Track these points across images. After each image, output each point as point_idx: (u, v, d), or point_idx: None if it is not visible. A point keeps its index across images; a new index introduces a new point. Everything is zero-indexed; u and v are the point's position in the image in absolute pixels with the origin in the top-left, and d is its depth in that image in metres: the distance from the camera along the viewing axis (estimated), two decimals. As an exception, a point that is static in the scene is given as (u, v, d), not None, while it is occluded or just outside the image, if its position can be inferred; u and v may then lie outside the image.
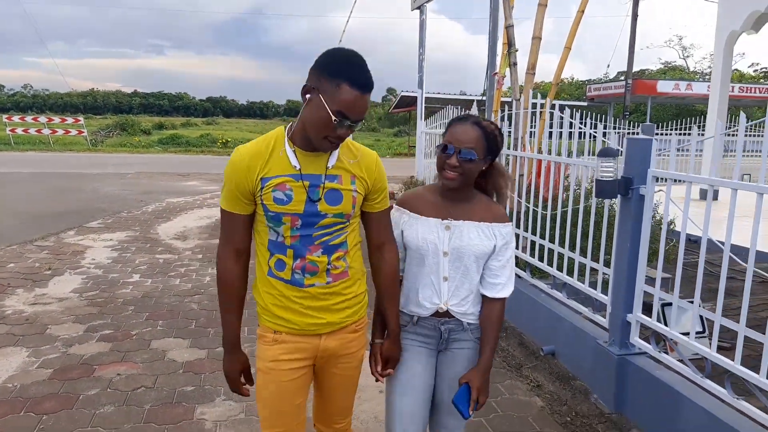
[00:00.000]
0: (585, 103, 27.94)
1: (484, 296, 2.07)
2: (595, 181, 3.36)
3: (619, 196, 3.33)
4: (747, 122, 2.66)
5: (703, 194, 6.66)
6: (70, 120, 28.72)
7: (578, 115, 4.19)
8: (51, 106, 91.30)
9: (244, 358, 1.94)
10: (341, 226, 1.83)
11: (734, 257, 2.80)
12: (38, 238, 7.65)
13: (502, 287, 2.06)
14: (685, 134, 13.93)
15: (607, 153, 3.26)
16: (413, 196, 2.10)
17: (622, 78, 25.45)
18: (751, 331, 2.59)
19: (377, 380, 2.07)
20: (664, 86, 26.70)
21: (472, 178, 1.99)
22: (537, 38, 5.47)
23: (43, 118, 28.16)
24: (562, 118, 4.09)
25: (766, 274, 4.49)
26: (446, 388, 2.09)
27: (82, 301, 5.14)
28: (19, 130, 26.13)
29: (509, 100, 5.67)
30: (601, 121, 14.89)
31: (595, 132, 3.78)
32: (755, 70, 44.52)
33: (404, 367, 2.06)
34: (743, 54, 52.83)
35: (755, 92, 27.57)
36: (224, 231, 1.84)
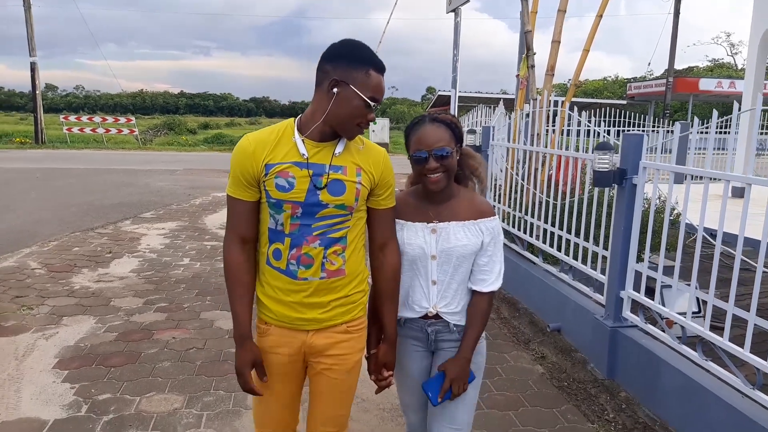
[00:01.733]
0: (624, 102, 27.78)
1: (472, 291, 2.06)
2: (593, 172, 3.75)
3: (615, 186, 3.72)
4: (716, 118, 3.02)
5: (735, 192, 6.92)
6: (122, 120, 30.18)
7: (591, 113, 4.58)
8: (102, 107, 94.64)
9: (256, 349, 1.87)
10: (342, 218, 1.80)
11: (708, 237, 3.17)
12: (98, 226, 8.41)
13: (492, 282, 2.04)
14: (726, 132, 13.93)
15: (603, 147, 3.65)
16: (396, 201, 2.05)
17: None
18: (718, 300, 2.96)
19: (377, 391, 2.08)
20: (707, 84, 26.27)
21: (454, 171, 1.99)
22: (556, 42, 5.84)
23: (97, 118, 29.66)
24: (570, 116, 4.48)
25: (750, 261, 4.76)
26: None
27: (140, 280, 5.77)
28: (75, 129, 27.63)
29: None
30: (640, 119, 15.05)
31: (599, 129, 4.16)
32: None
33: (398, 366, 2.10)
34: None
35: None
36: (230, 218, 1.83)
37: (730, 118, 2.93)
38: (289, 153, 1.75)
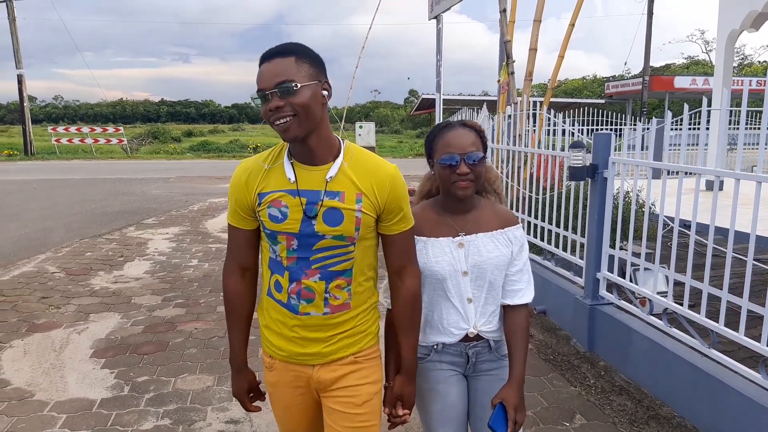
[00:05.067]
0: (603, 101, 28.51)
1: (505, 306, 1.94)
2: (567, 168, 4.24)
3: (589, 179, 4.21)
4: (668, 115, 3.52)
5: (709, 185, 7.48)
6: (111, 129, 30.45)
7: (570, 113, 5.07)
8: (82, 117, 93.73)
9: (251, 376, 1.84)
10: (343, 249, 1.64)
11: (669, 222, 3.66)
12: (105, 232, 8.80)
13: (524, 292, 1.93)
14: (679, 128, 14.59)
15: (576, 145, 4.14)
16: (414, 216, 1.87)
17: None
18: (678, 275, 3.45)
19: (390, 426, 1.89)
20: (681, 82, 27.11)
21: (482, 180, 1.90)
22: (533, 50, 6.34)
23: (86, 129, 29.92)
24: (549, 118, 4.98)
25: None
26: (479, 411, 1.96)
27: (155, 280, 6.18)
28: (64, 140, 27.93)
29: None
30: (619, 118, 15.70)
31: (573, 129, 4.66)
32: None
33: (438, 396, 1.93)
34: (766, 46, 52.90)
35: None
36: (230, 246, 1.77)
37: (692, 115, 3.43)
38: (281, 180, 1.62)
